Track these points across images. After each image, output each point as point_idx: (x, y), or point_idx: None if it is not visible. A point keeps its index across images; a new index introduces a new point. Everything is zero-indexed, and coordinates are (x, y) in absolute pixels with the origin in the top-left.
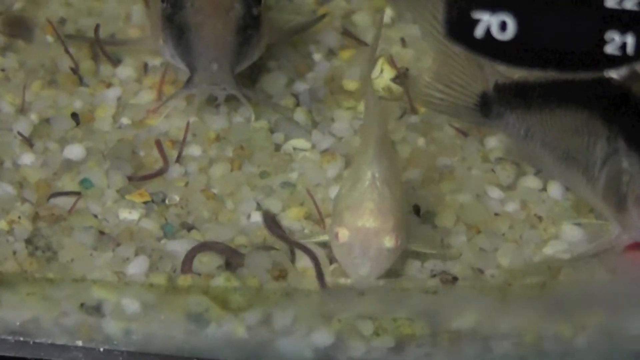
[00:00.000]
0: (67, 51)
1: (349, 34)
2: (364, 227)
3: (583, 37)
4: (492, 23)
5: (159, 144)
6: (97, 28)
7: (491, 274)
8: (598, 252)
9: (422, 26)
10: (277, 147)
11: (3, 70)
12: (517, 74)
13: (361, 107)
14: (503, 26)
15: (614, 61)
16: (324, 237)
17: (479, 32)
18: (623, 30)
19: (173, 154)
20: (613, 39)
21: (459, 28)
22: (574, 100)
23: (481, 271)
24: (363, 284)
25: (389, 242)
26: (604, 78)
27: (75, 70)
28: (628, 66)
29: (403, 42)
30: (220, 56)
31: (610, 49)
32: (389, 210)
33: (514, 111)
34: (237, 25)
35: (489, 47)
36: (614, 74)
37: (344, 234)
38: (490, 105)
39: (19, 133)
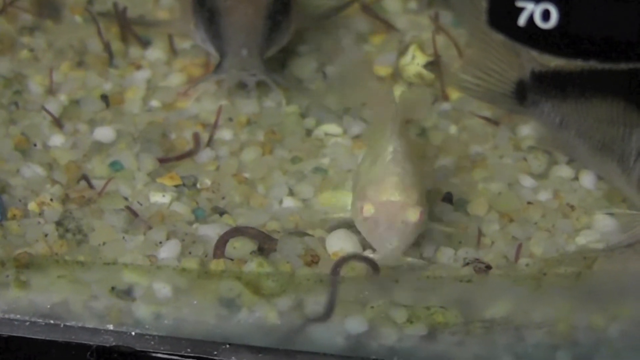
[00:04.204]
0: (99, 33)
1: (379, 18)
2: (389, 200)
3: (627, 27)
4: (535, 11)
5: (196, 136)
6: (124, 11)
7: (526, 263)
8: (632, 243)
9: (459, 13)
10: (309, 132)
11: (32, 50)
12: (554, 62)
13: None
14: (546, 15)
15: None
16: (343, 214)
17: (521, 20)
18: None
19: (204, 137)
20: None
21: (502, 16)
22: (610, 89)
23: (516, 257)
24: (390, 259)
25: (413, 215)
26: None
27: (109, 51)
28: None
29: (437, 28)
30: (249, 42)
31: None
32: (412, 184)
33: (549, 99)
34: (267, 11)
35: (531, 36)
36: None
37: (368, 209)
38: (526, 93)
39: (46, 110)
